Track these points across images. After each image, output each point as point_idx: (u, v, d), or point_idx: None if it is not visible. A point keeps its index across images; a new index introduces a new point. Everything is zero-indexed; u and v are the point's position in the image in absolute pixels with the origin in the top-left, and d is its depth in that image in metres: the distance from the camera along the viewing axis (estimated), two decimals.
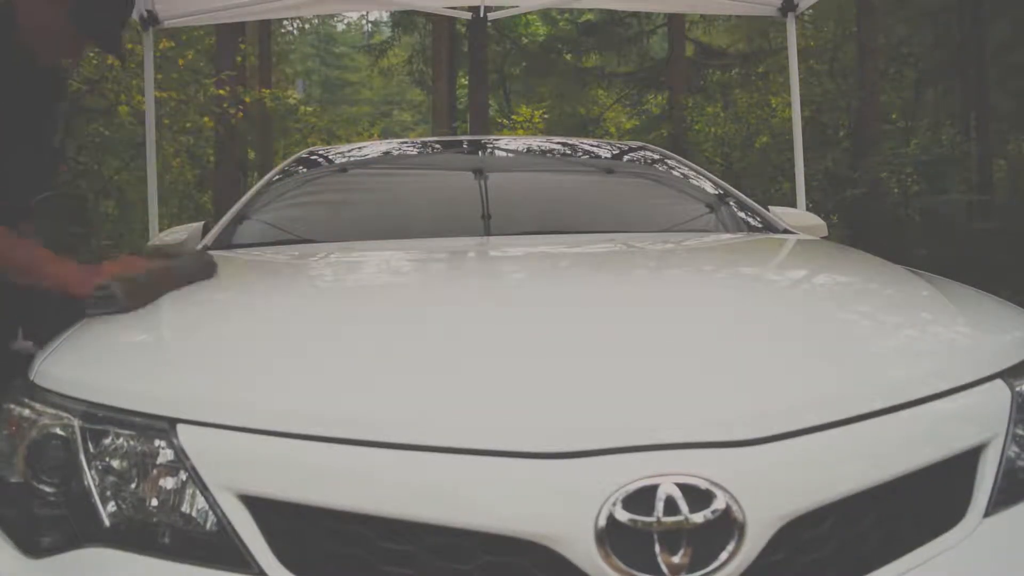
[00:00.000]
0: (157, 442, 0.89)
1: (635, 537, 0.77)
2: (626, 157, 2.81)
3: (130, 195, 8.57)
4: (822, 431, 0.85)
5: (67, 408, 0.95)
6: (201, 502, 0.85)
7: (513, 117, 11.98)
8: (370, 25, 30.05)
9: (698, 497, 0.78)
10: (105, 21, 1.55)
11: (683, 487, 0.78)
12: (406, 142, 3.35)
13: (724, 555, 0.78)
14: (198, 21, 4.78)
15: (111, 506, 0.89)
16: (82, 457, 0.91)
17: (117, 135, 8.21)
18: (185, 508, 0.86)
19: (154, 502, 0.88)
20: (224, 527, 0.84)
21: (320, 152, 2.87)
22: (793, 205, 3.99)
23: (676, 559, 0.77)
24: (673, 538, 0.78)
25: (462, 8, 5.13)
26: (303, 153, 2.74)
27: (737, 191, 2.40)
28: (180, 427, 0.88)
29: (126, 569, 0.86)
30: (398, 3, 6.30)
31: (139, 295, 1.27)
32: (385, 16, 21.01)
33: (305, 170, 2.57)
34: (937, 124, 10.21)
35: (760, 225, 2.11)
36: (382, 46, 15.74)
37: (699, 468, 0.79)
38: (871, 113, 10.14)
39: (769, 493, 0.80)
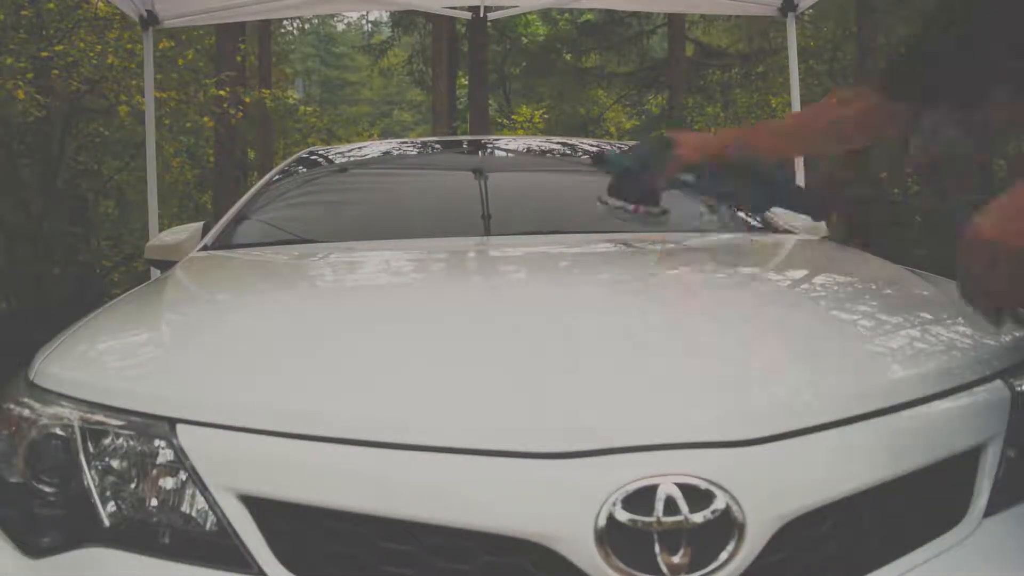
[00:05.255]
0: (157, 442, 0.89)
1: (635, 537, 0.77)
2: None
3: (130, 195, 8.59)
4: (822, 431, 0.85)
5: (67, 408, 0.95)
6: (201, 502, 0.85)
7: (513, 117, 11.99)
8: (370, 25, 30.06)
9: (698, 497, 0.78)
10: None
11: (683, 487, 0.78)
12: (406, 142, 3.35)
13: (724, 555, 0.78)
14: (198, 21, 4.79)
15: (111, 506, 0.89)
16: (82, 457, 0.91)
17: (117, 135, 8.23)
18: (185, 508, 0.86)
19: (154, 502, 0.88)
20: (224, 527, 0.84)
21: (320, 152, 2.88)
22: None
23: (676, 559, 0.77)
24: (673, 538, 0.78)
25: (462, 8, 5.14)
26: (303, 153, 2.74)
27: None
28: (180, 427, 0.88)
29: (126, 569, 0.86)
30: (398, 3, 6.31)
31: None
32: (385, 16, 21.02)
33: (305, 170, 2.57)
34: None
35: (760, 225, 2.11)
36: (382, 46, 15.75)
37: (699, 468, 0.79)
38: None
39: (769, 493, 0.80)
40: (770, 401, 0.87)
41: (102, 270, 8.15)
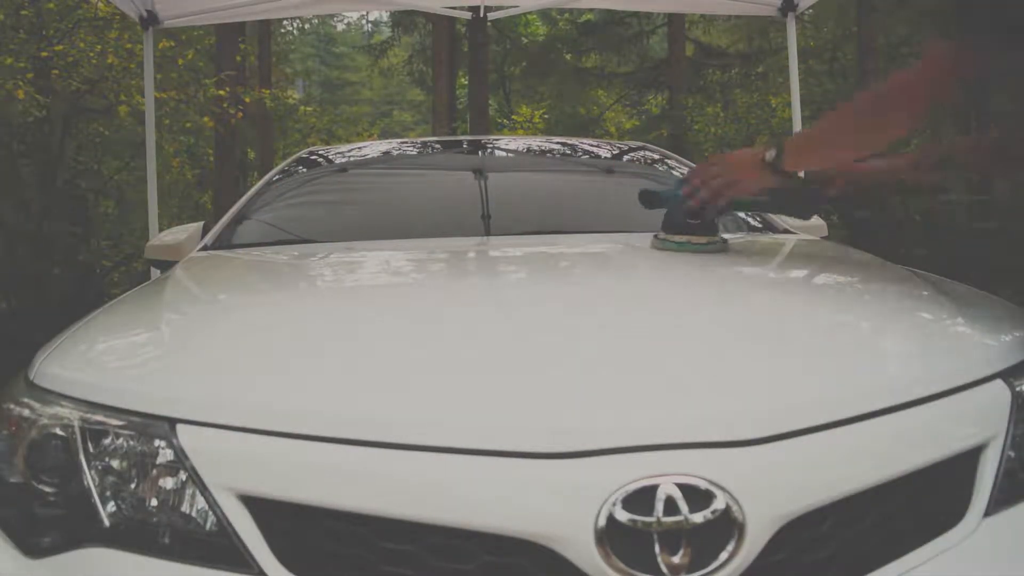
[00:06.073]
0: (157, 442, 0.89)
1: (635, 537, 0.77)
2: (626, 157, 2.82)
3: (130, 195, 8.58)
4: (822, 431, 0.85)
5: (67, 408, 0.95)
6: (201, 502, 0.85)
7: (513, 117, 11.98)
8: (370, 25, 30.11)
9: (698, 497, 0.78)
10: None
11: (683, 487, 0.78)
12: (406, 142, 3.35)
13: (724, 555, 0.78)
14: (198, 21, 4.79)
15: (111, 506, 0.89)
16: (82, 457, 0.91)
17: (117, 135, 8.22)
18: (185, 508, 0.86)
19: (154, 502, 0.88)
20: (224, 527, 0.84)
21: (320, 152, 2.87)
22: None
23: (676, 559, 0.77)
24: (673, 538, 0.78)
25: (462, 8, 5.14)
26: (303, 153, 2.75)
27: None
28: (180, 427, 0.88)
29: (126, 569, 0.86)
30: (398, 3, 6.31)
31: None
32: (385, 16, 21.04)
33: (305, 170, 2.58)
34: (937, 125, 10.19)
35: (760, 225, 2.11)
36: (382, 46, 15.75)
37: (699, 468, 0.79)
38: None
39: (769, 493, 0.80)
40: (770, 401, 0.87)
41: (102, 270, 8.14)
